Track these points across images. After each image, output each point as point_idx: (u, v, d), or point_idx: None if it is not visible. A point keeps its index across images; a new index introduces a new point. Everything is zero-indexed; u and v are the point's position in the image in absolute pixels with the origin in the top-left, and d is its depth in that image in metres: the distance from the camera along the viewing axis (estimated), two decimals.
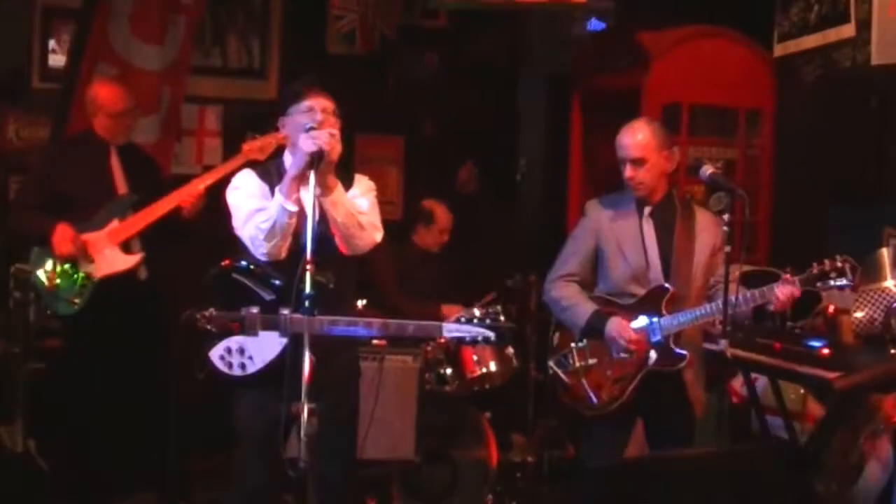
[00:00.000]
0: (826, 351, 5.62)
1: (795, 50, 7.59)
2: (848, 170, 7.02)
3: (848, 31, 7.03)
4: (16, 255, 6.74)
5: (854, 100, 6.97)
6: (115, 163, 6.65)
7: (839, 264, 5.20)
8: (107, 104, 6.62)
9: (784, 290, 5.27)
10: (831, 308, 6.07)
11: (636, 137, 5.55)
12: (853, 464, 5.76)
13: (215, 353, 4.88)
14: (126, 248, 6.51)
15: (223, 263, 4.95)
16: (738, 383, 6.57)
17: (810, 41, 7.43)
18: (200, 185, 6.46)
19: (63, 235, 6.34)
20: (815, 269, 5.25)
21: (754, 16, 7.75)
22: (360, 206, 4.99)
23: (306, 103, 4.95)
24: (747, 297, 5.34)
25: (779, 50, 7.76)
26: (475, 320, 4.96)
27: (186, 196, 6.44)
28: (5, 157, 7.96)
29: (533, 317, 7.42)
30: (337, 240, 4.93)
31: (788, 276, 5.32)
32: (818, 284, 5.27)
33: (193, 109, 8.55)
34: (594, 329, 5.57)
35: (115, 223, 6.46)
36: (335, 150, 4.77)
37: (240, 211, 4.95)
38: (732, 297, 5.13)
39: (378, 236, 5.04)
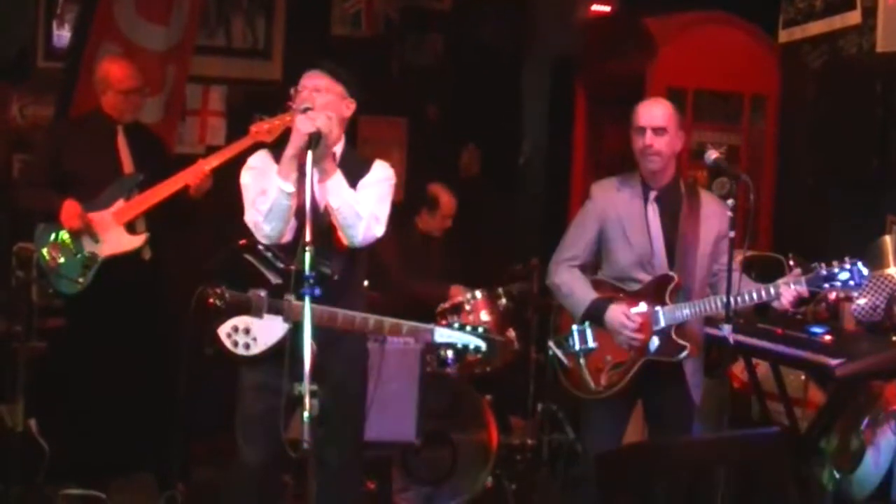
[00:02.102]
0: (828, 337, 5.63)
1: (801, 36, 7.60)
2: (852, 157, 7.01)
3: (854, 17, 7.04)
4: (19, 233, 6.74)
5: (859, 87, 6.95)
6: (121, 142, 6.65)
7: (848, 266, 5.16)
8: (116, 81, 6.62)
9: (790, 294, 5.25)
10: (833, 295, 6.06)
11: (660, 107, 5.57)
12: (854, 451, 5.76)
13: (223, 331, 4.89)
14: (131, 228, 6.50)
15: (240, 242, 4.96)
16: (738, 369, 6.57)
17: (816, 28, 7.43)
18: (206, 166, 6.44)
19: (70, 210, 6.34)
20: (824, 271, 5.21)
21: (760, 2, 7.75)
22: (362, 196, 4.94)
23: (301, 82, 4.96)
24: (752, 295, 5.32)
25: (784, 36, 7.76)
26: (468, 328, 4.94)
27: (193, 177, 6.42)
28: (10, 136, 7.96)
29: (534, 299, 7.42)
30: (338, 231, 4.91)
31: (797, 273, 5.29)
32: (825, 286, 5.22)
33: (197, 89, 8.55)
34: (593, 317, 5.57)
35: (120, 203, 6.45)
36: (331, 133, 4.77)
37: (247, 193, 4.95)
38: (735, 289, 5.10)
39: (378, 231, 4.98)
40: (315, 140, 4.63)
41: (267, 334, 4.85)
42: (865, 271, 5.16)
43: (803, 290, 5.23)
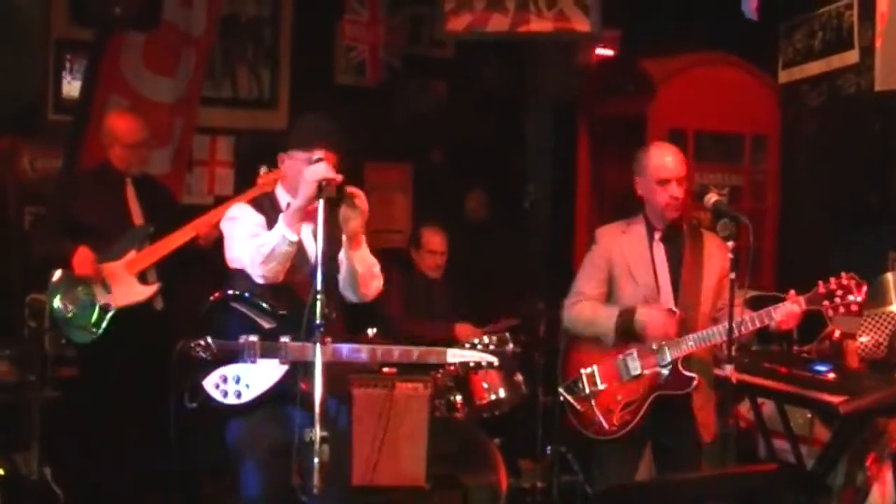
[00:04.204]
0: (832, 375, 5.68)
1: (800, 76, 7.68)
2: (853, 195, 7.08)
3: (851, 57, 7.11)
4: (32, 284, 6.81)
5: (858, 125, 7.04)
6: (130, 194, 6.73)
7: (845, 282, 5.20)
8: (122, 136, 6.71)
9: (781, 311, 5.30)
10: (837, 333, 6.12)
11: (679, 156, 5.67)
12: (859, 487, 5.80)
13: (209, 382, 4.93)
14: (143, 278, 6.57)
15: (213, 297, 5.02)
16: (745, 408, 6.62)
17: (814, 67, 7.51)
18: (217, 216, 6.50)
19: (83, 257, 6.42)
20: (822, 289, 5.26)
21: (759, 43, 7.82)
22: (370, 256, 5.11)
23: (315, 155, 4.95)
24: (755, 321, 5.35)
25: (783, 76, 7.84)
26: (479, 346, 5.03)
27: (203, 227, 6.49)
28: (21, 189, 8.02)
29: (541, 343, 7.47)
30: (348, 290, 5.10)
31: (793, 294, 5.35)
32: (825, 303, 5.26)
33: (205, 140, 8.62)
34: (626, 324, 5.60)
35: (132, 254, 6.53)
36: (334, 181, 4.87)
37: (235, 236, 5.05)
38: (736, 329, 5.17)
39: (381, 283, 5.20)
40: (325, 189, 4.73)
41: (261, 379, 4.89)
42: (863, 286, 5.21)
43: (797, 309, 5.28)
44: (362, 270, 5.02)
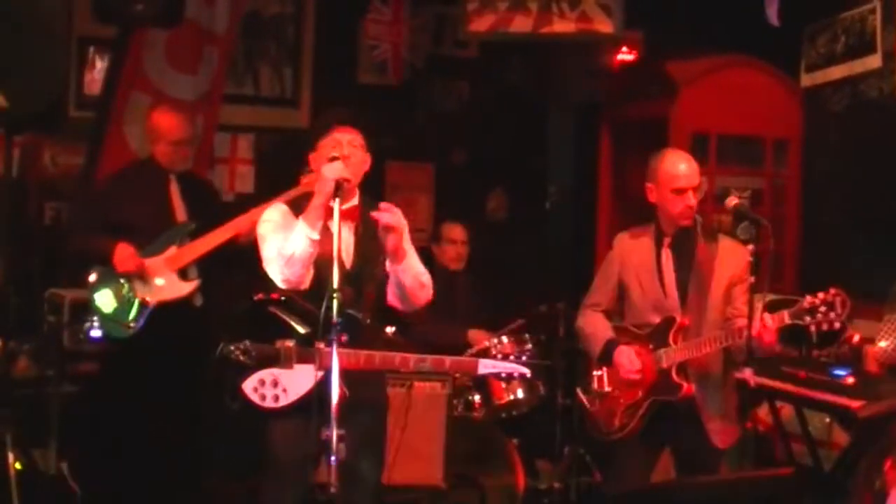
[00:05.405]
0: (851, 380, 5.64)
1: (823, 80, 7.64)
2: (874, 199, 7.05)
3: (874, 61, 7.09)
4: (50, 279, 6.82)
5: (880, 130, 7.01)
6: (174, 190, 6.68)
7: (830, 298, 5.17)
8: (168, 132, 6.65)
9: (757, 325, 5.24)
10: (856, 337, 6.10)
11: (693, 165, 5.63)
12: (877, 491, 5.77)
13: (248, 385, 4.90)
14: (183, 274, 6.55)
15: (257, 297, 5.00)
16: (764, 412, 6.60)
17: (837, 72, 7.48)
18: (258, 215, 6.46)
19: (124, 253, 6.37)
20: (807, 304, 5.23)
21: (782, 46, 7.79)
22: (419, 265, 5.09)
23: (334, 136, 5.01)
24: (731, 335, 5.40)
25: (806, 80, 7.81)
26: (511, 357, 5.02)
27: (245, 225, 6.45)
28: (42, 185, 8.05)
29: (560, 344, 7.46)
30: (397, 301, 5.09)
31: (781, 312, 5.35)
32: (807, 318, 5.23)
33: (226, 137, 8.65)
34: (606, 356, 5.70)
35: (173, 249, 6.48)
36: (354, 179, 4.94)
37: (265, 241, 5.01)
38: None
39: (430, 292, 5.14)
40: (342, 188, 4.75)
41: (297, 384, 4.87)
42: (847, 301, 5.18)
43: (772, 321, 5.25)
44: (409, 283, 5.00)
